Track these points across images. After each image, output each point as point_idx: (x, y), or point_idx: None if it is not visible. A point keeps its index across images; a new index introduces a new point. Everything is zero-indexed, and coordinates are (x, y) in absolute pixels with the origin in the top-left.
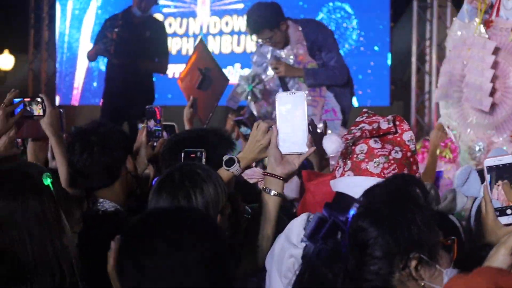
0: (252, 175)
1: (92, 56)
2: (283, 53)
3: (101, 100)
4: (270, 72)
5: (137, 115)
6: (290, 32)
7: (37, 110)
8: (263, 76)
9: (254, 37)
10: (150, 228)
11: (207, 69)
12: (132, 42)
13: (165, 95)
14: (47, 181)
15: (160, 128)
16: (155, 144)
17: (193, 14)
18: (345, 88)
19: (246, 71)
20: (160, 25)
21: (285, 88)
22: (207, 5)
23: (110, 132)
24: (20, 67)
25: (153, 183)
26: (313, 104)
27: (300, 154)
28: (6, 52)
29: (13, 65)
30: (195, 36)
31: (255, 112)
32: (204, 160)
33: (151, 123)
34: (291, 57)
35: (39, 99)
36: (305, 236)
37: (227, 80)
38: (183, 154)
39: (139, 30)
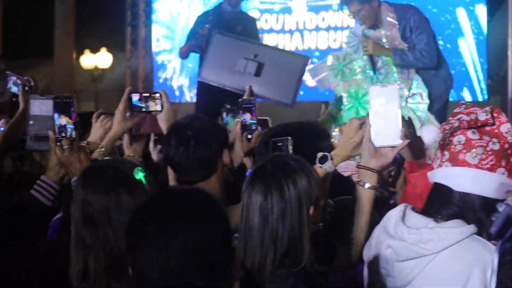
0: (346, 168)
1: (184, 53)
2: (375, 34)
3: (196, 97)
4: (361, 52)
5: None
6: (383, 14)
7: (152, 106)
8: (354, 56)
9: (346, 11)
10: (146, 210)
11: (256, 55)
12: None
13: None
14: (138, 175)
15: (255, 122)
16: (249, 137)
17: (289, 10)
18: (437, 75)
19: None
20: (252, 20)
21: (373, 68)
22: (303, 1)
23: (205, 126)
24: (117, 65)
25: (247, 174)
26: (400, 86)
27: (394, 147)
28: (103, 50)
29: (111, 63)
30: (291, 32)
31: (344, 94)
32: (290, 147)
33: (247, 116)
34: (383, 38)
35: (157, 95)
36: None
37: (304, 57)
38: (270, 144)
39: (230, 26)
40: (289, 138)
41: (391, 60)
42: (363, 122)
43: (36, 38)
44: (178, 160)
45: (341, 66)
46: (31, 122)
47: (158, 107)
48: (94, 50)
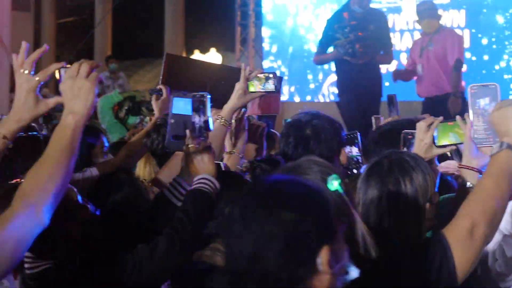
0: (448, 168)
1: (324, 61)
2: None
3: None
4: None
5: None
6: None
7: (267, 87)
8: None
9: None
10: (239, 198)
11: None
12: (365, 39)
13: None
14: (333, 186)
15: (359, 155)
16: (354, 171)
17: (398, 10)
18: None
19: None
20: (382, 16)
21: None
22: (413, 1)
23: (325, 125)
24: (227, 65)
25: (361, 171)
26: None
27: None
28: (213, 50)
29: (220, 63)
30: (401, 31)
31: None
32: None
33: (353, 149)
34: None
35: (271, 75)
36: None
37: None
38: (402, 136)
39: (363, 25)
40: (414, 132)
41: None
42: (430, 123)
43: (146, 39)
44: (296, 159)
45: None
46: (172, 121)
47: (272, 88)
48: (204, 50)
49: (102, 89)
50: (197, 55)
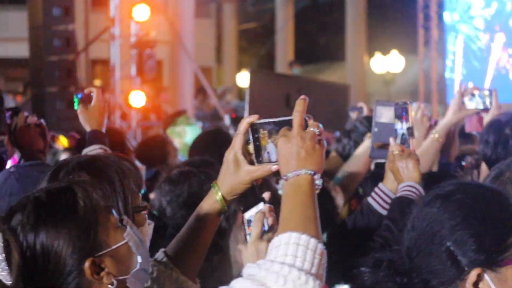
0: None
1: None
2: None
3: None
4: None
5: None
6: None
7: (479, 104)
8: None
9: None
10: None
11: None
12: None
13: None
14: None
15: None
16: None
17: None
18: None
19: None
20: None
21: None
22: None
23: None
24: (409, 67)
25: None
26: None
27: None
28: (394, 52)
29: (403, 65)
30: None
31: None
32: None
33: None
34: None
35: (486, 92)
36: None
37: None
38: None
39: None
40: None
41: None
42: None
43: (328, 43)
44: (496, 159)
45: None
46: (375, 130)
47: (487, 105)
48: (385, 52)
49: None
50: (378, 57)
